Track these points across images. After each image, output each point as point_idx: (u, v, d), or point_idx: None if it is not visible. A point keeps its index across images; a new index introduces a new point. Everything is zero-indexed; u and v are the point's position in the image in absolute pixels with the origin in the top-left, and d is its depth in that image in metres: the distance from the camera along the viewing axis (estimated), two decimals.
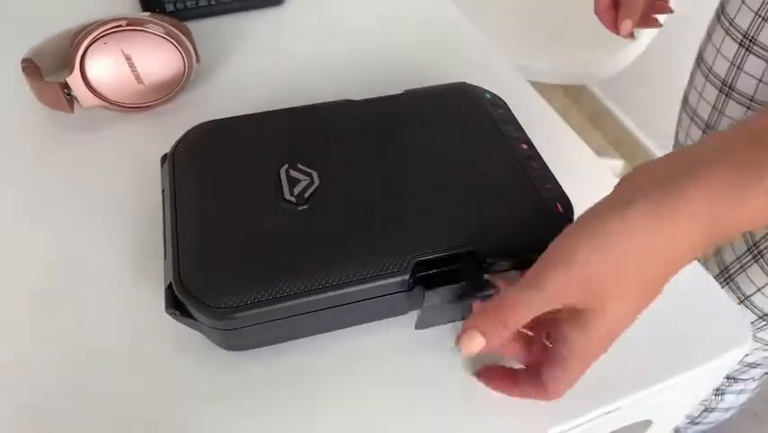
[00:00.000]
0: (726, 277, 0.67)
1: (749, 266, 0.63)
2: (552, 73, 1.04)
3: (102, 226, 0.46)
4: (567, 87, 1.76)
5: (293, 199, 0.40)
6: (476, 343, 0.33)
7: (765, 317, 0.65)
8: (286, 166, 0.42)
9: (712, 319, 0.43)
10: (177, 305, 0.36)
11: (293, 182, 0.41)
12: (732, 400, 0.84)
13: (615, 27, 0.60)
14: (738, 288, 0.65)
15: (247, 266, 0.36)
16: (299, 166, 0.42)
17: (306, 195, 0.40)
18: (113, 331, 0.41)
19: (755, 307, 0.64)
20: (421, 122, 0.46)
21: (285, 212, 0.39)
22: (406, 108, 0.47)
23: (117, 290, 0.43)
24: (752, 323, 0.64)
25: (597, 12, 0.60)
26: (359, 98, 0.48)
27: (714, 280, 0.45)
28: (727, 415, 0.89)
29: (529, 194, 0.41)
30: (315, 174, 0.41)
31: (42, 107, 0.54)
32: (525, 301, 0.32)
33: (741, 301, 0.66)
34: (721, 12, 0.65)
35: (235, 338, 0.38)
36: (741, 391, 0.82)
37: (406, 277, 0.37)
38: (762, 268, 0.62)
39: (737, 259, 0.64)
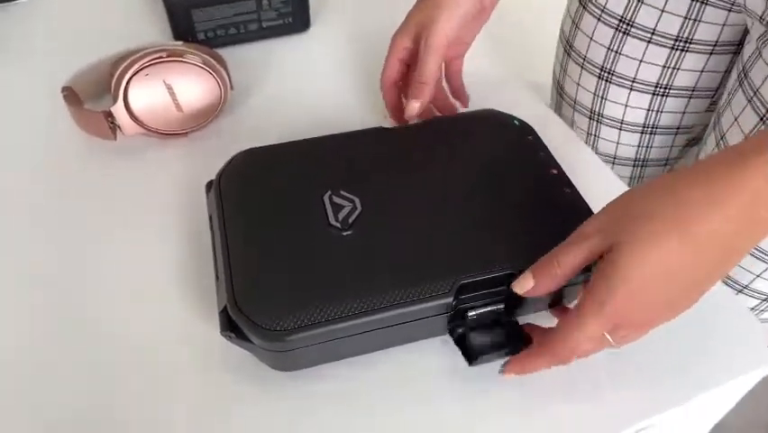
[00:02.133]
0: None
1: None
2: None
3: (146, 250, 0.48)
4: None
5: (338, 225, 0.42)
6: (527, 283, 0.37)
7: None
8: (329, 192, 0.43)
9: (735, 339, 0.45)
10: (232, 327, 0.38)
11: (337, 208, 0.43)
12: None
13: (395, 108, 0.55)
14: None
15: (299, 290, 0.38)
16: (342, 192, 0.44)
17: (350, 220, 0.42)
18: (160, 354, 0.42)
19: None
20: (453, 148, 0.48)
21: (330, 237, 0.41)
22: (438, 135, 0.49)
23: (162, 312, 0.45)
24: (752, 309, 0.63)
25: (381, 88, 0.55)
26: (389, 125, 0.50)
27: (736, 298, 0.47)
28: None
29: (563, 218, 0.42)
30: (357, 200, 0.43)
31: (81, 133, 0.56)
32: (574, 242, 0.36)
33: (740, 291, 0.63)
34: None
35: (287, 359, 0.39)
36: None
37: (450, 300, 0.39)
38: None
39: None
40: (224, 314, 0.39)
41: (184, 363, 0.42)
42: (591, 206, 0.44)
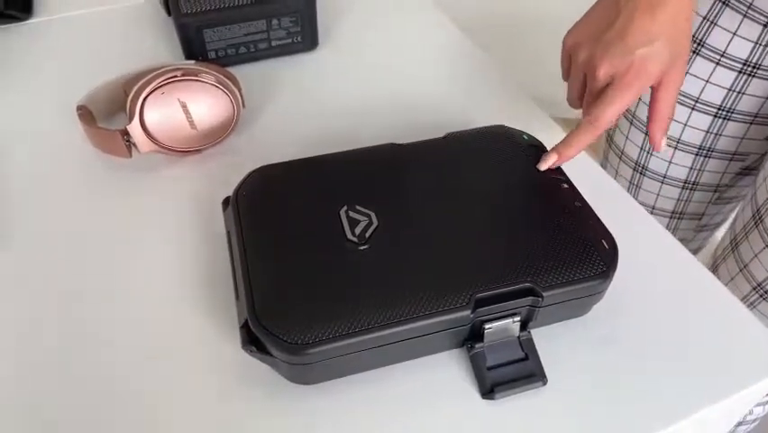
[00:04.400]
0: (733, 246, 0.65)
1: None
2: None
3: (162, 267, 0.49)
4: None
5: (355, 239, 0.42)
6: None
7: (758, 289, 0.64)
8: (345, 207, 0.44)
9: (744, 348, 0.45)
10: (252, 342, 0.39)
11: (353, 223, 0.43)
12: (759, 411, 0.86)
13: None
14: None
15: (318, 304, 0.39)
16: (357, 207, 0.44)
17: (367, 235, 0.43)
18: (177, 370, 0.43)
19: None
20: (465, 164, 0.48)
21: (348, 251, 0.42)
22: (450, 151, 0.50)
23: (178, 328, 0.45)
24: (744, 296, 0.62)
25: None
26: (400, 141, 0.51)
27: (745, 309, 0.48)
28: (753, 426, 0.91)
29: (576, 232, 0.43)
30: (373, 215, 0.44)
31: (95, 152, 0.56)
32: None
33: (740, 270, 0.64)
34: None
35: (306, 372, 0.40)
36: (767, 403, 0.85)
37: (468, 312, 0.39)
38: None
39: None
40: (245, 329, 0.39)
41: (202, 378, 0.42)
42: (600, 215, 0.45)
